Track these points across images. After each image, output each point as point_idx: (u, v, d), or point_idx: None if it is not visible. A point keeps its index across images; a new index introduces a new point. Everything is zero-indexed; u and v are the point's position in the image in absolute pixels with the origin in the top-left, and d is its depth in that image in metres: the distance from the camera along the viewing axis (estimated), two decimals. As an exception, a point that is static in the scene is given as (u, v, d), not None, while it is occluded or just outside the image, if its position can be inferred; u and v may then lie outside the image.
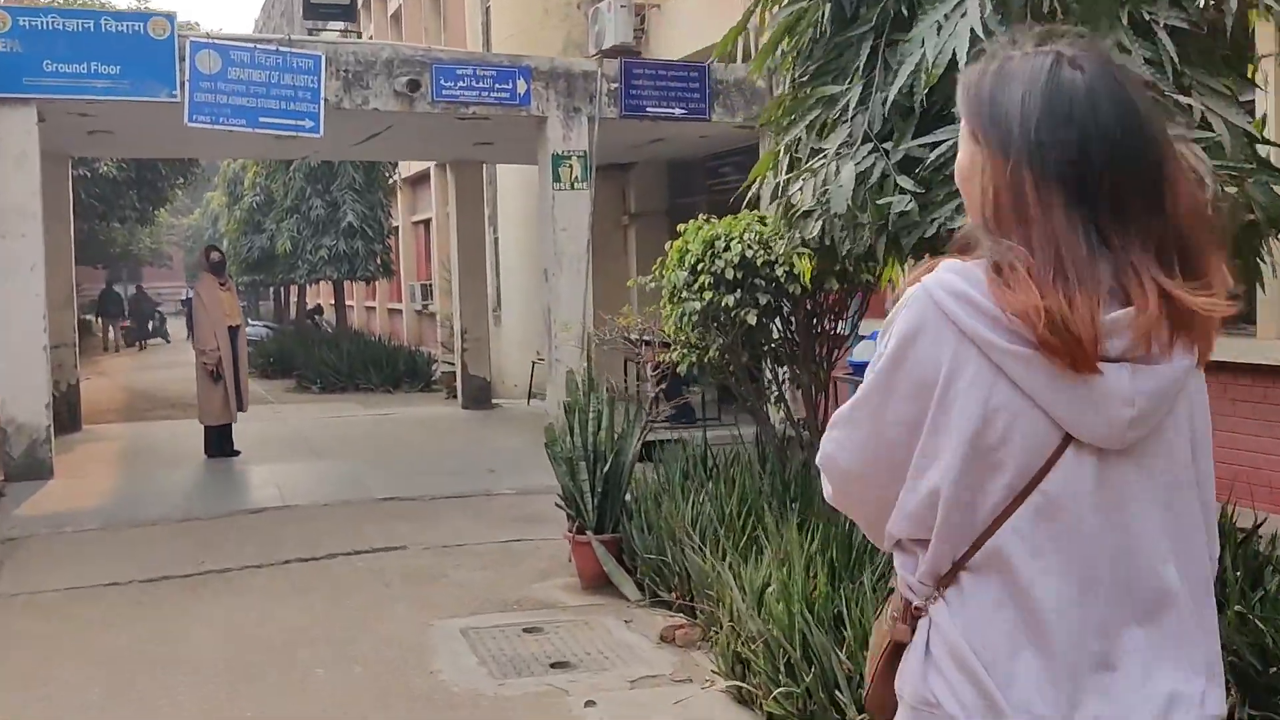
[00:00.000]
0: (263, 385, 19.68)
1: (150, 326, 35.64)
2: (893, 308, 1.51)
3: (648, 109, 11.04)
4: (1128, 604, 1.47)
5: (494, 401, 14.56)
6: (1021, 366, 1.41)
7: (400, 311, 28.28)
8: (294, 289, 26.96)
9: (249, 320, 28.30)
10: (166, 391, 18.94)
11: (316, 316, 24.96)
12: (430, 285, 25.77)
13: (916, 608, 1.55)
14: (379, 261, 18.61)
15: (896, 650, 1.60)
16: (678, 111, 11.14)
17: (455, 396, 16.75)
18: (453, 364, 17.47)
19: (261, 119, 9.81)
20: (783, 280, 6.30)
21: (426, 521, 8.23)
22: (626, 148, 12.72)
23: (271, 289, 30.21)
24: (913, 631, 1.56)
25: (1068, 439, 1.44)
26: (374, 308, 29.48)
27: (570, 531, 6.45)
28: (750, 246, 6.42)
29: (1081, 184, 1.42)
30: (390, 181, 19.38)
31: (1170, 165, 1.45)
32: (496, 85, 10.54)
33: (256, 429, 12.07)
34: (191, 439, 11.65)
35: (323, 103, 9.96)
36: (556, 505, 6.60)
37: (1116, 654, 1.47)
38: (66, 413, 12.56)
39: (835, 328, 6.92)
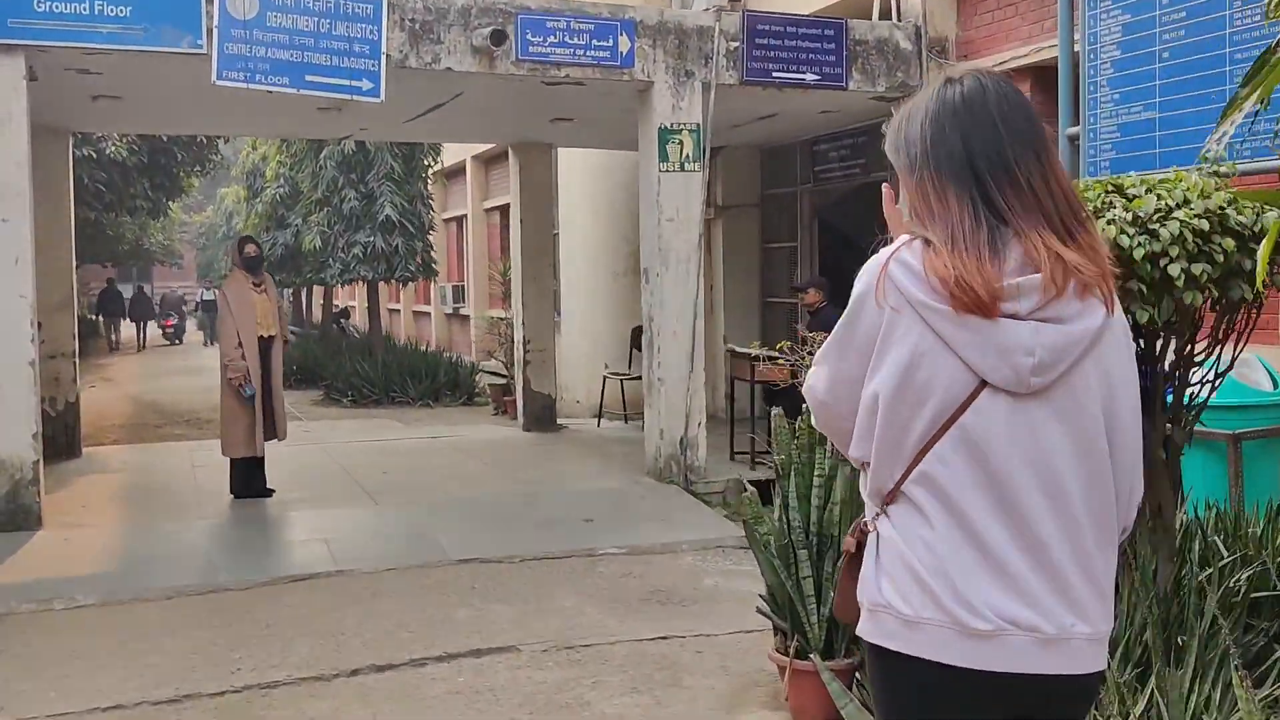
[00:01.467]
0: (287, 397, 17.67)
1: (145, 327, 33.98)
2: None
3: (774, 74, 9.03)
4: (1043, 521, 1.79)
5: (558, 422, 12.54)
6: (941, 319, 1.78)
7: (428, 315, 26.29)
8: (319, 291, 25.00)
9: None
10: (178, 404, 16.98)
11: (343, 321, 22.95)
12: (462, 287, 23.83)
13: (865, 523, 1.94)
14: (419, 260, 16.60)
15: (850, 561, 1.99)
16: (809, 78, 9.13)
17: (502, 411, 14.80)
18: (503, 376, 15.51)
19: (308, 78, 7.83)
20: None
21: (528, 600, 6.22)
22: (726, 127, 10.71)
23: (291, 290, 28.20)
24: (861, 545, 1.94)
25: (984, 383, 1.79)
26: (398, 310, 27.51)
27: (782, 651, 4.42)
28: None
29: (965, 173, 1.82)
30: (431, 172, 17.33)
31: (1045, 152, 1.86)
32: (594, 42, 8.54)
33: (288, 455, 10.09)
34: (213, 470, 9.65)
35: (384, 59, 7.97)
36: (760, 613, 4.57)
37: (1038, 557, 1.79)
38: (63, 436, 10.60)
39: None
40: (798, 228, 12.41)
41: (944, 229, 1.80)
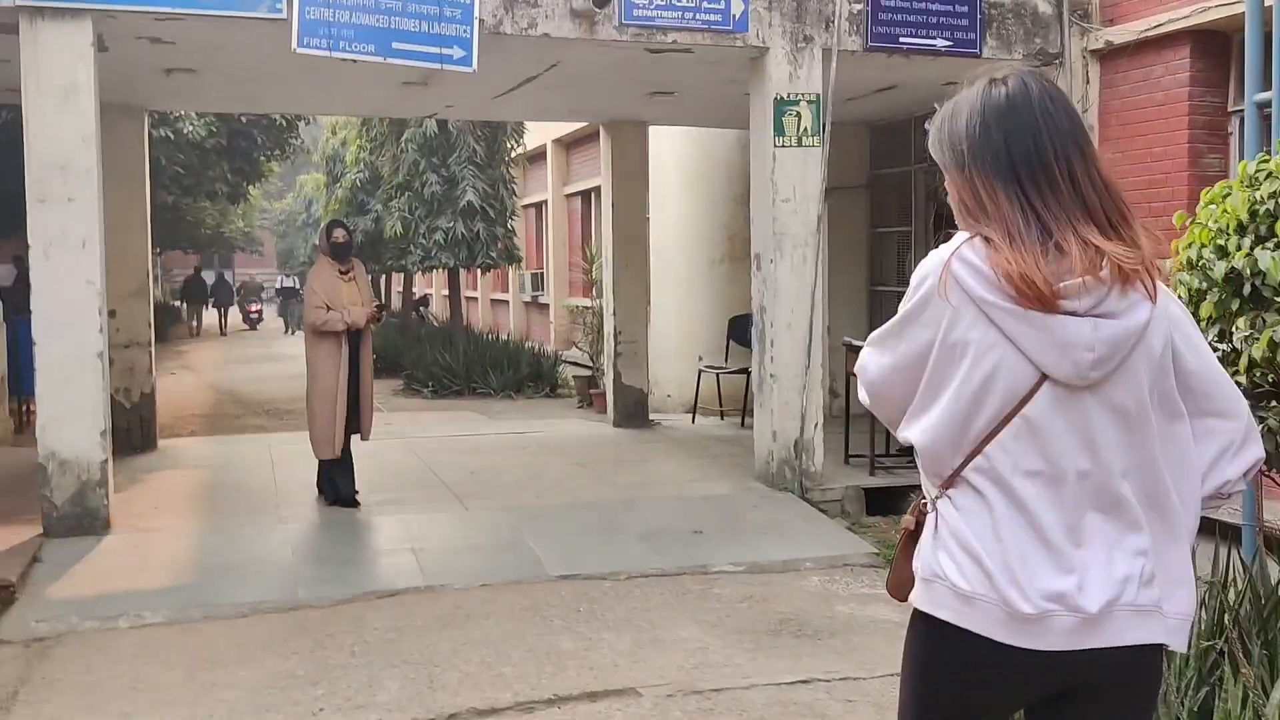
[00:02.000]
0: (365, 387, 17.23)
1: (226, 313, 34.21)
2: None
3: (901, 39, 8.19)
4: (1092, 503, 1.89)
5: (650, 418, 11.82)
6: (1006, 316, 1.85)
7: (505, 303, 25.77)
8: (398, 278, 24.58)
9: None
10: (258, 393, 16.57)
11: (422, 309, 22.47)
12: (542, 275, 23.23)
13: (925, 503, 2.01)
14: (502, 246, 15.97)
15: (909, 538, 2.05)
16: (939, 44, 8.28)
17: (588, 404, 14.13)
18: (588, 368, 14.84)
19: (395, 45, 7.17)
20: None
21: (641, 628, 5.50)
22: (838, 101, 9.87)
23: (370, 278, 27.95)
24: (920, 524, 2.02)
25: (1044, 376, 1.87)
26: (475, 298, 27.02)
27: None
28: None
29: (1011, 173, 1.88)
30: (514, 155, 16.68)
31: (1088, 148, 1.92)
32: (704, 4, 7.77)
33: (371, 451, 9.48)
34: (292, 466, 9.09)
35: (477, 25, 7.28)
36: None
37: (1084, 539, 1.88)
38: (139, 429, 10.13)
39: None
40: (911, 211, 11.53)
41: (1000, 226, 1.87)
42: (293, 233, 43.00)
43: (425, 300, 23.55)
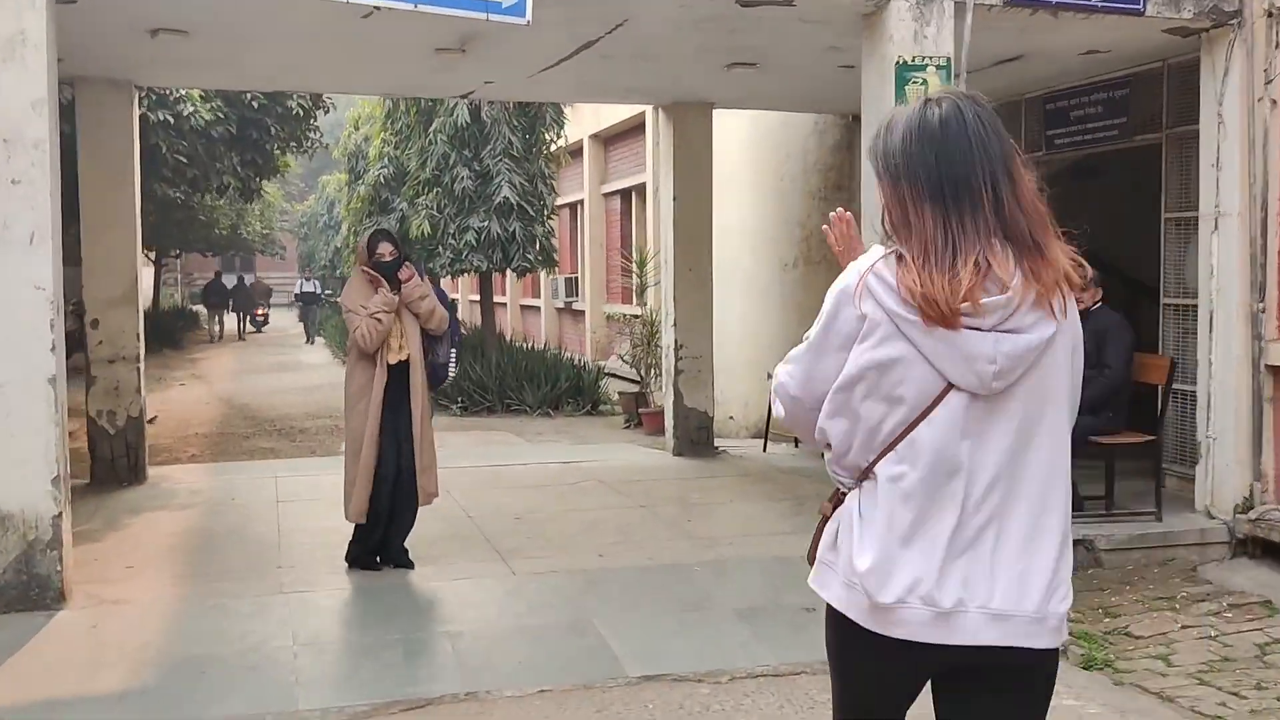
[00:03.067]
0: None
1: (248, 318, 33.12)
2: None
3: (1051, -8, 6.63)
4: (985, 505, 2.00)
5: (714, 444, 10.28)
6: (914, 329, 1.97)
7: (536, 309, 24.27)
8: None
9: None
10: (271, 407, 15.13)
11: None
12: (576, 279, 21.74)
13: (841, 494, 2.16)
14: (539, 248, 14.46)
15: (824, 523, 2.20)
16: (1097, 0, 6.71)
17: (636, 424, 12.63)
18: (636, 382, 13.32)
19: (429, -12, 5.66)
20: None
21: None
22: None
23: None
24: (834, 510, 2.17)
25: (950, 385, 1.99)
26: (503, 304, 25.50)
27: None
28: None
29: (940, 192, 1.99)
30: (555, 148, 15.16)
31: (1016, 173, 2.03)
32: (813, -56, 6.23)
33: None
34: (302, 506, 7.66)
35: (531, -37, 5.77)
36: None
37: (968, 540, 2.00)
38: (125, 458, 8.69)
39: None
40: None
41: (918, 243, 1.97)
42: (314, 235, 41.70)
43: (453, 306, 22.06)
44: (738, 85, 9.16)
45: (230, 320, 33.33)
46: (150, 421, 13.78)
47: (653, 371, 12.72)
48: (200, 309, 34.67)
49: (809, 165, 10.80)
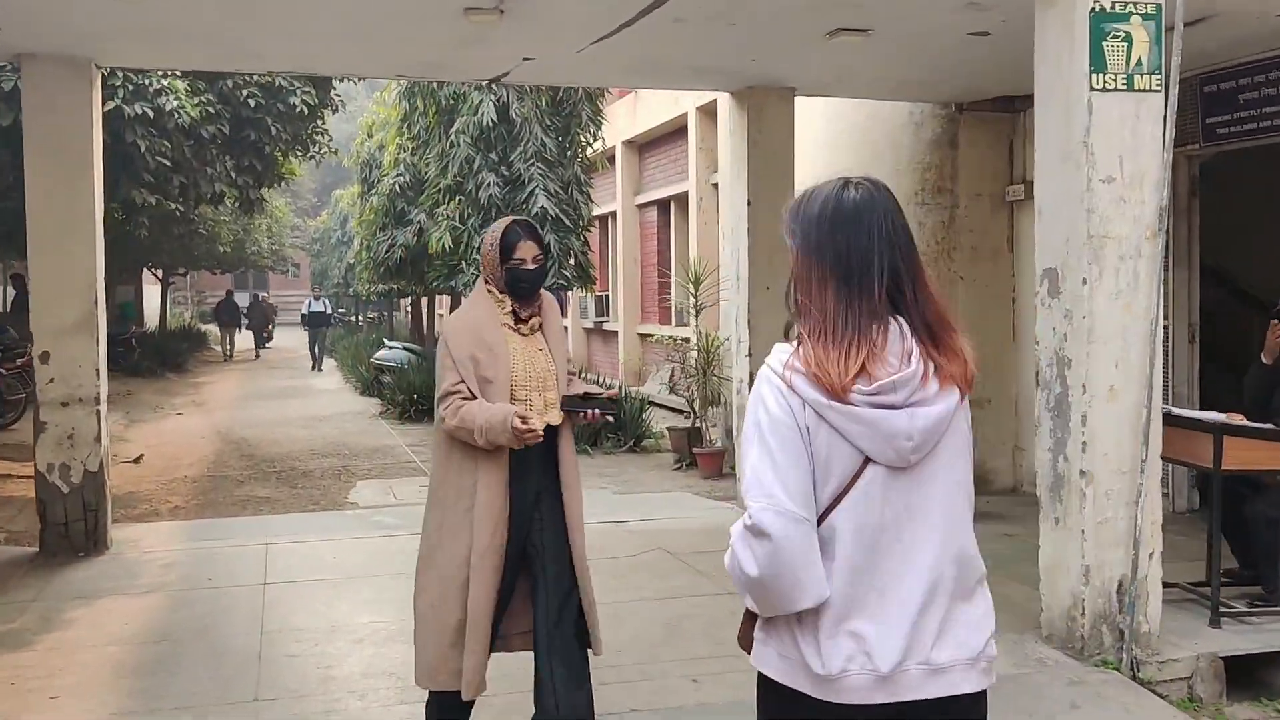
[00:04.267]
0: (405, 433, 14.12)
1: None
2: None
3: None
4: (909, 569, 2.04)
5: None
6: (830, 412, 2.01)
7: (563, 329, 22.63)
8: (442, 300, 21.52)
9: (385, 342, 22.80)
10: (273, 442, 13.47)
11: (470, 337, 19.31)
12: (607, 297, 20.09)
13: None
14: (576, 263, 12.80)
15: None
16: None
17: (689, 464, 10.97)
18: (687, 414, 11.64)
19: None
20: None
21: None
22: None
23: (409, 299, 24.75)
24: None
25: (868, 460, 2.03)
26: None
27: None
28: None
29: (848, 274, 2.04)
30: (594, 150, 13.49)
31: (919, 264, 2.10)
32: None
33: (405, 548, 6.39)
34: (294, 595, 5.96)
35: None
36: None
37: (896, 601, 2.03)
38: (82, 523, 7.05)
39: None
40: (1169, 212, 8.19)
41: (818, 318, 2.05)
42: (327, 251, 40.19)
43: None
44: (830, 63, 7.49)
45: (240, 339, 31.86)
46: (135, 461, 12.20)
47: (710, 408, 11.03)
48: (210, 328, 33.24)
49: (902, 164, 9.12)
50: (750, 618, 2.16)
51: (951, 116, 8.92)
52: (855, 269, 2.03)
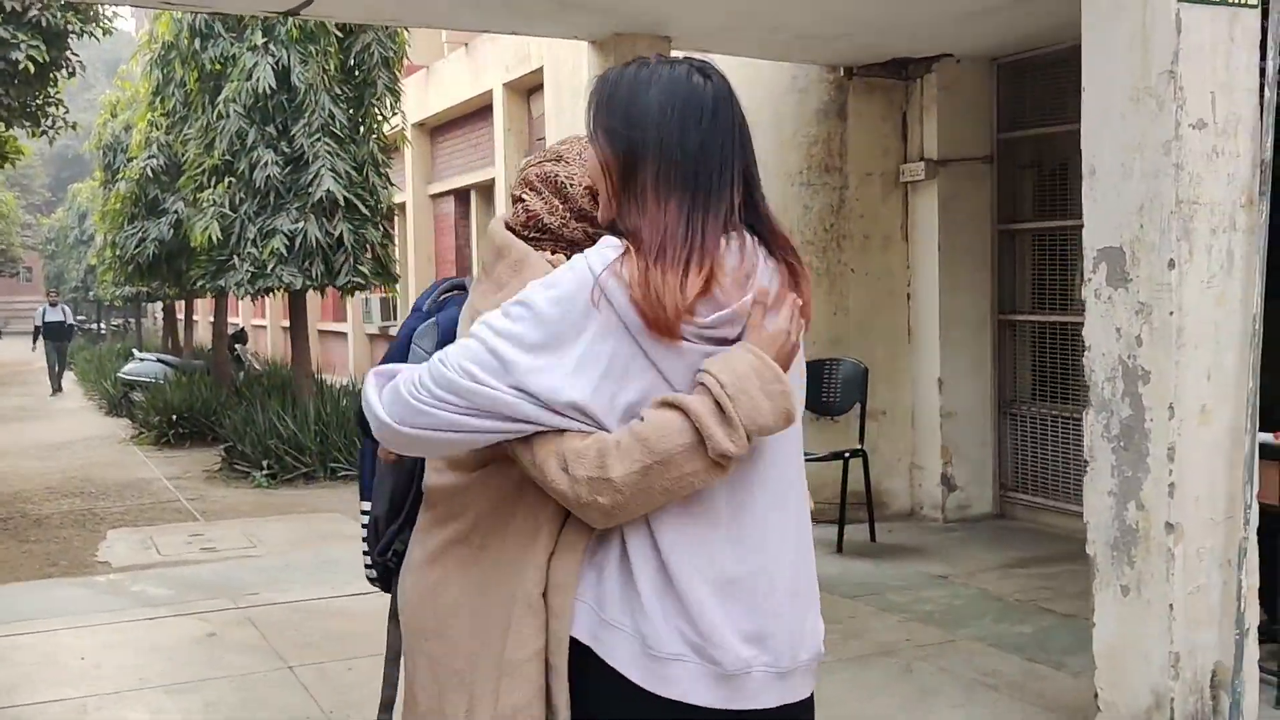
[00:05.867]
0: (164, 462, 11.81)
1: None
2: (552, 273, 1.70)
3: None
4: (748, 546, 1.69)
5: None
6: (645, 336, 1.63)
7: (342, 335, 20.45)
8: (204, 304, 18.94)
9: (135, 353, 19.76)
10: (0, 480, 10.92)
11: (239, 347, 16.92)
12: (393, 300, 18.09)
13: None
14: (373, 256, 10.89)
15: None
16: None
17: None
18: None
19: None
20: None
21: None
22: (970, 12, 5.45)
23: (162, 304, 21.90)
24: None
25: None
26: (295, 327, 21.39)
27: None
28: None
29: (694, 184, 1.66)
30: (394, 129, 11.57)
31: (757, 171, 1.76)
32: None
33: (169, 642, 4.49)
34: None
35: None
36: None
37: (729, 594, 1.67)
38: None
39: None
40: (1068, 195, 7.14)
41: (652, 233, 1.66)
42: (63, 252, 36.12)
43: (242, 335, 17.98)
44: (716, 4, 6.03)
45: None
46: None
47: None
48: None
49: (785, 137, 7.76)
50: None
51: (839, 83, 7.64)
52: (703, 177, 1.67)
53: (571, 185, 1.95)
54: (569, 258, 1.96)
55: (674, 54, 3.92)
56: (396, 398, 1.67)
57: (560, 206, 1.96)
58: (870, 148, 7.69)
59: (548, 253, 1.99)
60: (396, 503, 2.18)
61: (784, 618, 1.71)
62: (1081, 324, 3.76)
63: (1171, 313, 3.54)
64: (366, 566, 2.24)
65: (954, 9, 6.23)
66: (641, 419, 1.66)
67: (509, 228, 1.98)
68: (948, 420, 7.62)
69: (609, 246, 1.69)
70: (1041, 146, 7.58)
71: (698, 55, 6.44)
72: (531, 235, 1.97)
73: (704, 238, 1.65)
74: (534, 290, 1.66)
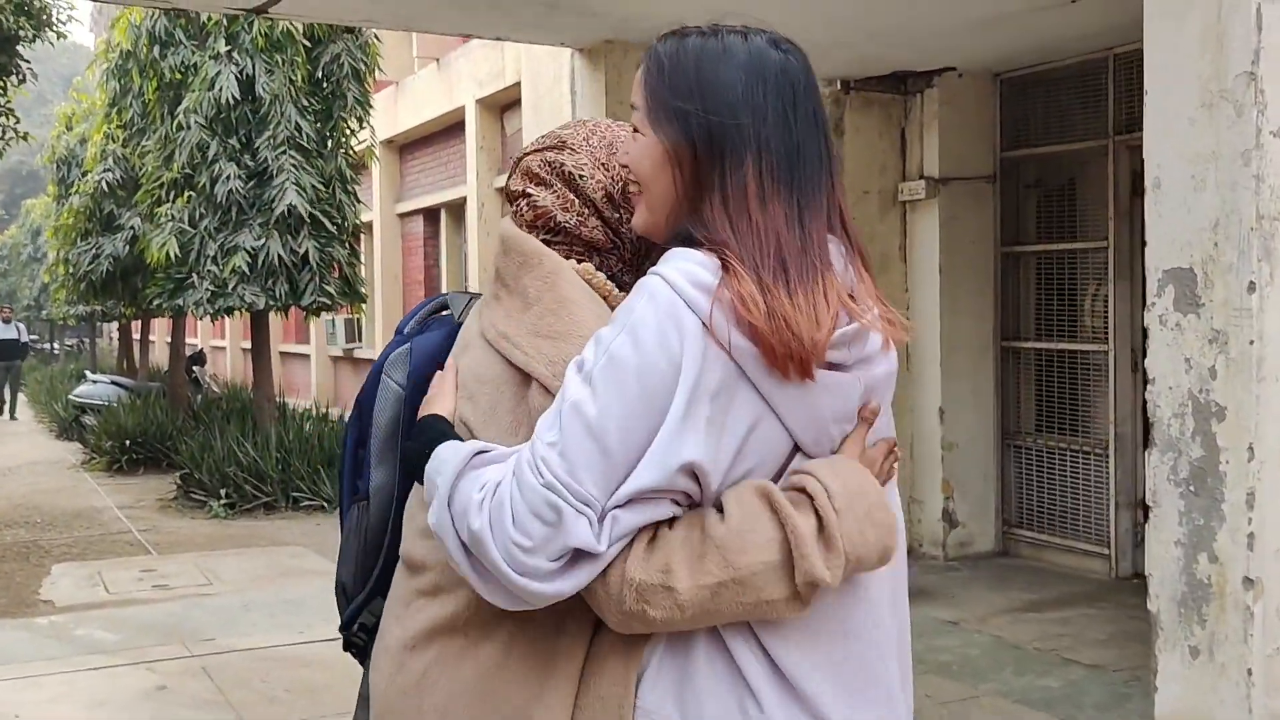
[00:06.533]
0: (116, 490, 11.22)
1: None
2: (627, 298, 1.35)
3: None
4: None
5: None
6: (763, 375, 1.29)
7: (304, 357, 19.88)
8: (161, 324, 18.33)
9: (88, 374, 19.01)
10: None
11: (197, 369, 16.31)
12: (358, 321, 17.56)
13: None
14: (340, 275, 10.41)
15: None
16: None
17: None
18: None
19: None
20: None
21: None
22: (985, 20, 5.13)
23: (117, 323, 21.22)
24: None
25: (796, 448, 1.34)
26: (257, 348, 20.82)
27: None
28: None
29: (797, 175, 1.35)
30: (362, 144, 11.11)
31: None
32: None
33: (103, 692, 3.97)
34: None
35: None
36: None
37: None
38: None
39: None
40: (1108, 214, 6.82)
41: (758, 245, 1.31)
42: (16, 270, 35.25)
43: (200, 357, 17.37)
44: (718, 8, 5.64)
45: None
46: None
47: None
48: None
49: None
50: None
51: (836, 97, 7.29)
52: (803, 167, 1.35)
53: (583, 177, 1.56)
54: (597, 266, 1.56)
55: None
56: (503, 532, 1.28)
57: (575, 201, 1.57)
58: (867, 165, 7.33)
59: (573, 260, 1.59)
60: (366, 566, 1.74)
61: (897, 701, 1.46)
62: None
63: (1251, 341, 3.16)
64: (340, 628, 1.80)
65: (961, 17, 5.89)
66: (720, 511, 1.29)
67: None
68: (949, 452, 7.25)
69: (693, 262, 1.31)
70: (1046, 165, 7.27)
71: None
72: (540, 237, 1.58)
73: (820, 249, 1.35)
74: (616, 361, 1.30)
